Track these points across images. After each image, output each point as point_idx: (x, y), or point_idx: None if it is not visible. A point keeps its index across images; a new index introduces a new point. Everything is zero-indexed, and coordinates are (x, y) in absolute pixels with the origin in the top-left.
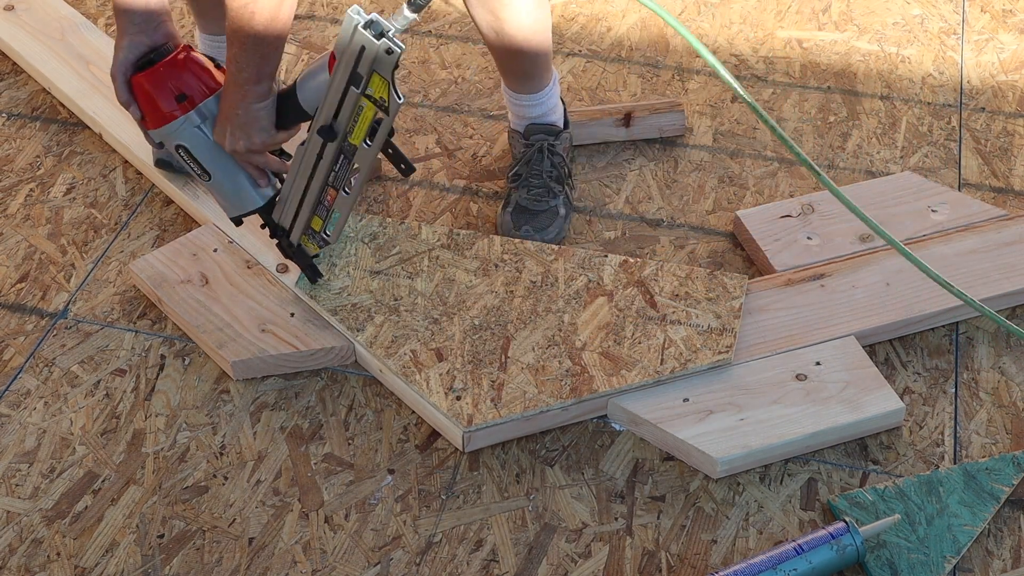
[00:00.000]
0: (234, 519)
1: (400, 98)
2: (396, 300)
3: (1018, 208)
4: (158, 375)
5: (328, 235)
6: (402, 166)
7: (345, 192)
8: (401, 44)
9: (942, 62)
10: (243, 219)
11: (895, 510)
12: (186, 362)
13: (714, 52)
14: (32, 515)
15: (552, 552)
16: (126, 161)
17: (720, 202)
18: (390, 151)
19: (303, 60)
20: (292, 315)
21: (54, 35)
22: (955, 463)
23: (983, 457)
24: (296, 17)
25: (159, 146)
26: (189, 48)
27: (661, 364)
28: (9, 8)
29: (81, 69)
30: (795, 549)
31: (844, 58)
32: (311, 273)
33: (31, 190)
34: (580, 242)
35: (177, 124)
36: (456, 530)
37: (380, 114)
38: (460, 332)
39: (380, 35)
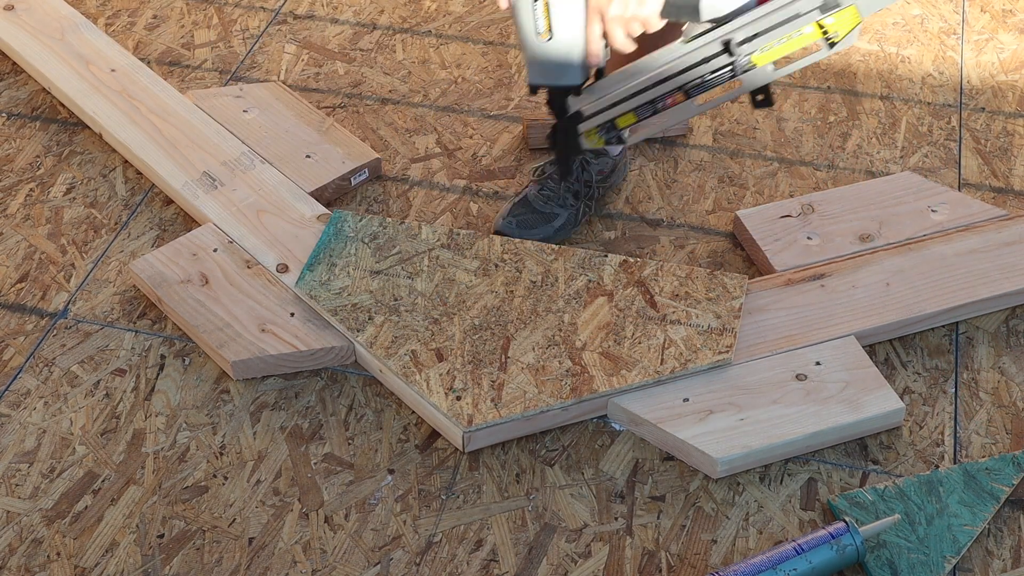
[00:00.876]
0: (234, 519)
1: (852, 40)
2: (396, 300)
3: (1018, 208)
4: (158, 375)
5: (627, 137)
6: (759, 98)
7: (694, 103)
8: None
9: (942, 62)
10: (539, 90)
11: (895, 510)
12: (186, 362)
13: None
14: (32, 515)
15: (552, 552)
16: (126, 161)
17: (720, 202)
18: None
19: (303, 59)
20: (292, 315)
21: (54, 35)
22: (955, 463)
23: (983, 457)
24: (296, 17)
25: None
26: None
27: (661, 364)
28: (9, 8)
29: (81, 69)
30: (795, 549)
31: (844, 58)
32: (565, 168)
33: (31, 190)
34: (580, 242)
35: None
36: (456, 530)
37: (815, 48)
38: (460, 332)
39: None
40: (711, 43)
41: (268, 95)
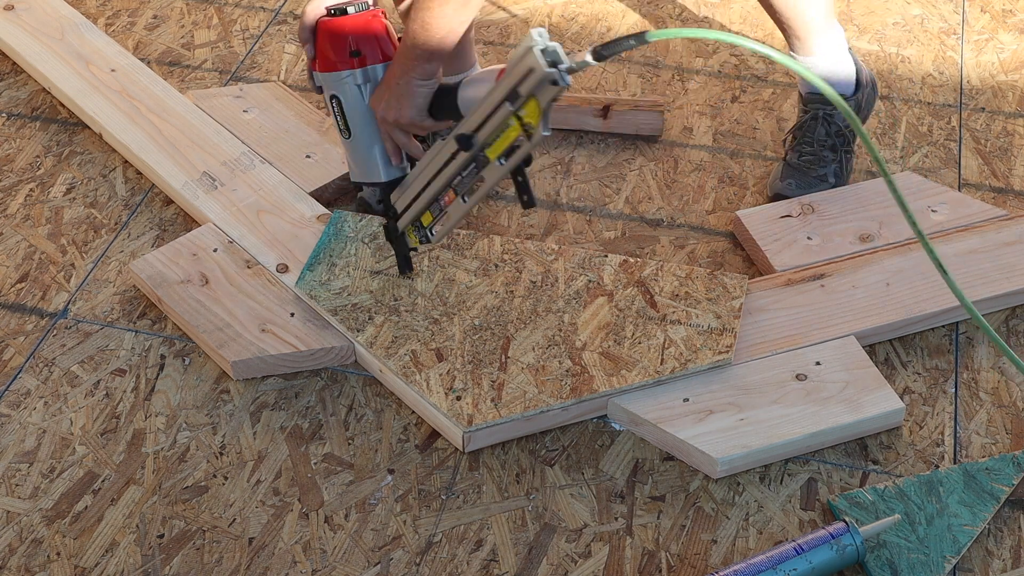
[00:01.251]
0: (234, 519)
1: (547, 131)
2: (396, 300)
3: (1018, 208)
4: (158, 375)
5: (433, 234)
6: (524, 198)
7: (463, 200)
8: (569, 80)
9: (942, 62)
10: (363, 187)
11: (895, 510)
12: (186, 362)
13: (714, 52)
14: (32, 515)
15: (552, 552)
16: (126, 161)
17: (720, 202)
18: (519, 178)
19: (303, 59)
20: (292, 315)
21: (54, 35)
22: (955, 463)
23: (983, 457)
24: (296, 17)
25: (318, 90)
26: (383, 13)
27: (661, 364)
28: (9, 8)
29: (81, 69)
30: (795, 549)
31: None
32: (403, 264)
33: (31, 190)
34: (580, 242)
35: (342, 76)
36: (456, 530)
37: (522, 138)
38: (460, 332)
39: (553, 64)
40: (450, 140)
41: (268, 95)
